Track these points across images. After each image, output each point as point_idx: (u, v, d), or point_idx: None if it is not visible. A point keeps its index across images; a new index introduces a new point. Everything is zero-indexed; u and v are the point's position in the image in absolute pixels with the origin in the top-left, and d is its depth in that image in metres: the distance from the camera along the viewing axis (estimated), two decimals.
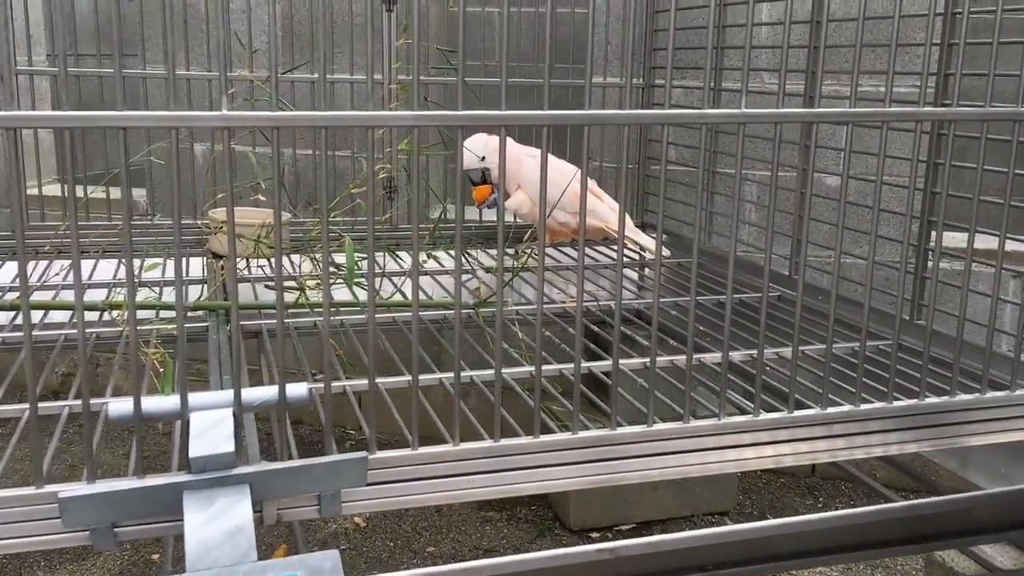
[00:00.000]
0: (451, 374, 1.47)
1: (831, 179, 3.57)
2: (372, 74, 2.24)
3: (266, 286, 2.26)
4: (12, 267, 2.49)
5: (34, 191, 2.80)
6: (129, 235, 1.19)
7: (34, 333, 1.98)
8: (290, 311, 2.15)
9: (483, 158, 2.70)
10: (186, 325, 2.09)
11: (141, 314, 2.07)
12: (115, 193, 2.91)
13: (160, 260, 2.56)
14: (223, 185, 2.65)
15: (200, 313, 2.15)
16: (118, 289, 2.22)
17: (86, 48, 3.24)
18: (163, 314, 2.08)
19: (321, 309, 2.13)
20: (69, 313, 2.10)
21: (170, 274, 2.52)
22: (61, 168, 2.89)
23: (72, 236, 1.16)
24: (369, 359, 1.35)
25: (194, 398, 1.26)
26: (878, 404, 1.57)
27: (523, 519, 3.64)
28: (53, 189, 2.85)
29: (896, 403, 1.58)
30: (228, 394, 1.27)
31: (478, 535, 3.52)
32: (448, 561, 3.35)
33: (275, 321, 2.14)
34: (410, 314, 2.20)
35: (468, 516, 3.64)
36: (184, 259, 2.61)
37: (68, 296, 2.24)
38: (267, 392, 1.29)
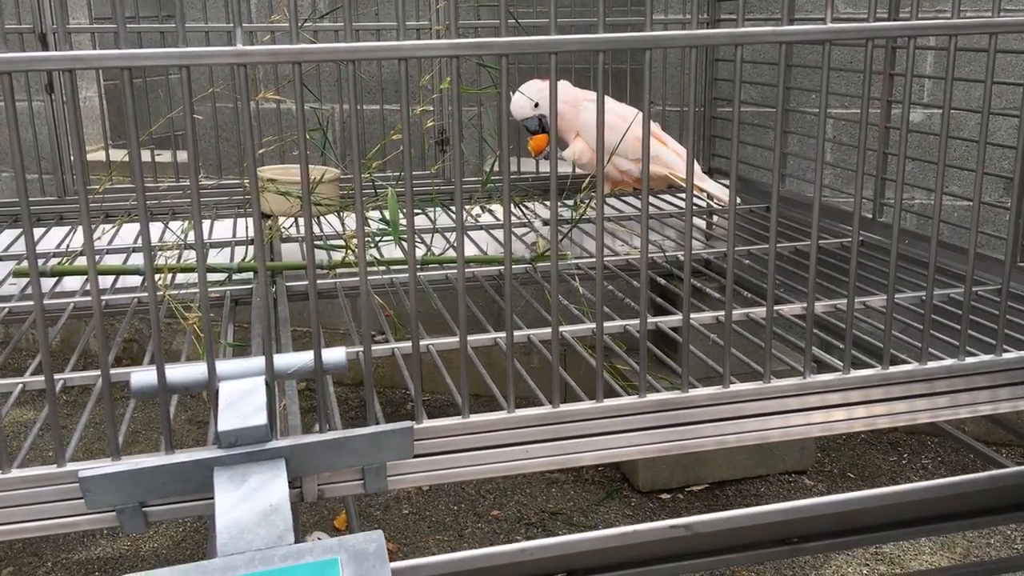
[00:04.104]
0: (505, 334, 1.34)
1: (912, 112, 3.32)
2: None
3: (315, 245, 2.14)
4: (56, 232, 2.42)
5: None
6: (196, 190, 1.08)
7: (100, 298, 1.92)
8: (338, 271, 2.04)
9: (536, 104, 2.53)
10: (232, 288, 2.01)
11: (180, 278, 1.98)
12: (159, 157, 2.84)
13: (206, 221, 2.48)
14: (258, 138, 2.54)
15: (248, 275, 2.05)
16: (162, 252, 2.14)
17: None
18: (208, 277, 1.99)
19: (371, 268, 2.02)
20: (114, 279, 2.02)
21: (215, 235, 2.44)
22: (105, 134, 2.81)
23: (139, 197, 1.05)
24: (412, 318, 1.22)
25: (223, 366, 1.15)
26: (985, 357, 1.40)
27: (589, 480, 3.53)
28: (97, 155, 2.78)
29: (1006, 355, 1.40)
30: (260, 361, 1.16)
31: (544, 497, 3.42)
32: (514, 524, 3.25)
33: (325, 282, 2.07)
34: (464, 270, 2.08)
35: (533, 478, 3.53)
36: (232, 220, 2.55)
37: (110, 260, 2.17)
38: (302, 358, 1.18)
